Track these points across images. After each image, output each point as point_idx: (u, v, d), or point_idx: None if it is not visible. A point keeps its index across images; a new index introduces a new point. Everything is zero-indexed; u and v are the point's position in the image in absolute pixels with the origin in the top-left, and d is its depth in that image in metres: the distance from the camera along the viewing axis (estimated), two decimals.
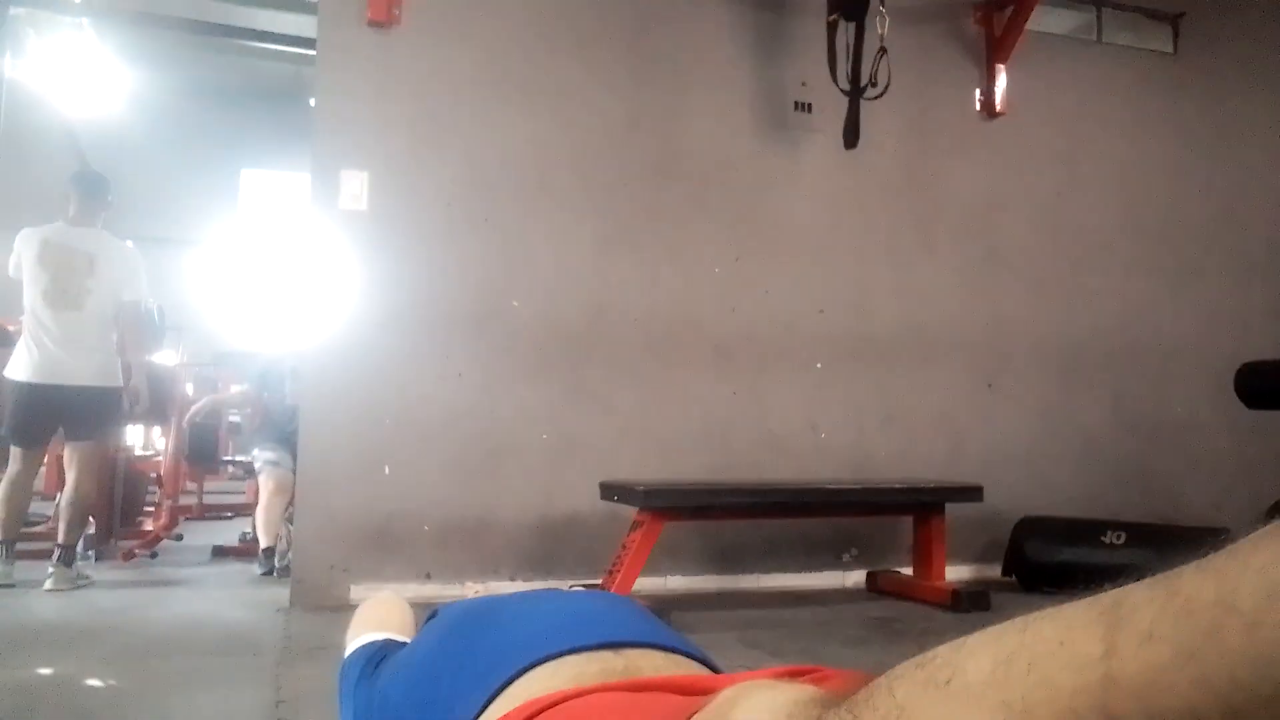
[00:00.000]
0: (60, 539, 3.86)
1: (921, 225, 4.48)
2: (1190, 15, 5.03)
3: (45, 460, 4.38)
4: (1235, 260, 4.98)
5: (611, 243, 4.04)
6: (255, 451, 4.81)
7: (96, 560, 4.56)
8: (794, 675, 0.80)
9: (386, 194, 3.76)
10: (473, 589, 3.16)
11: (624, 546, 3.28)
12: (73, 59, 7.15)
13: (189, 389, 6.52)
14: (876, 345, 4.34)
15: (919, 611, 3.53)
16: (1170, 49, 5.07)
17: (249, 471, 5.23)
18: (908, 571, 3.96)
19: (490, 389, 3.81)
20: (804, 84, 4.29)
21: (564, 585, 1.88)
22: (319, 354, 3.68)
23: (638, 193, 4.11)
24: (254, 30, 6.38)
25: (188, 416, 5.27)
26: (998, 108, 4.59)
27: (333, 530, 3.55)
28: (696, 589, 3.95)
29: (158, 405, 4.85)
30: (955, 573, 4.00)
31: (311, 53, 4.20)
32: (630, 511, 3.36)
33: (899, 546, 4.10)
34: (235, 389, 6.14)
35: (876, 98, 4.08)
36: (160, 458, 5.60)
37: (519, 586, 3.55)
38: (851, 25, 4.05)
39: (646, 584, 3.61)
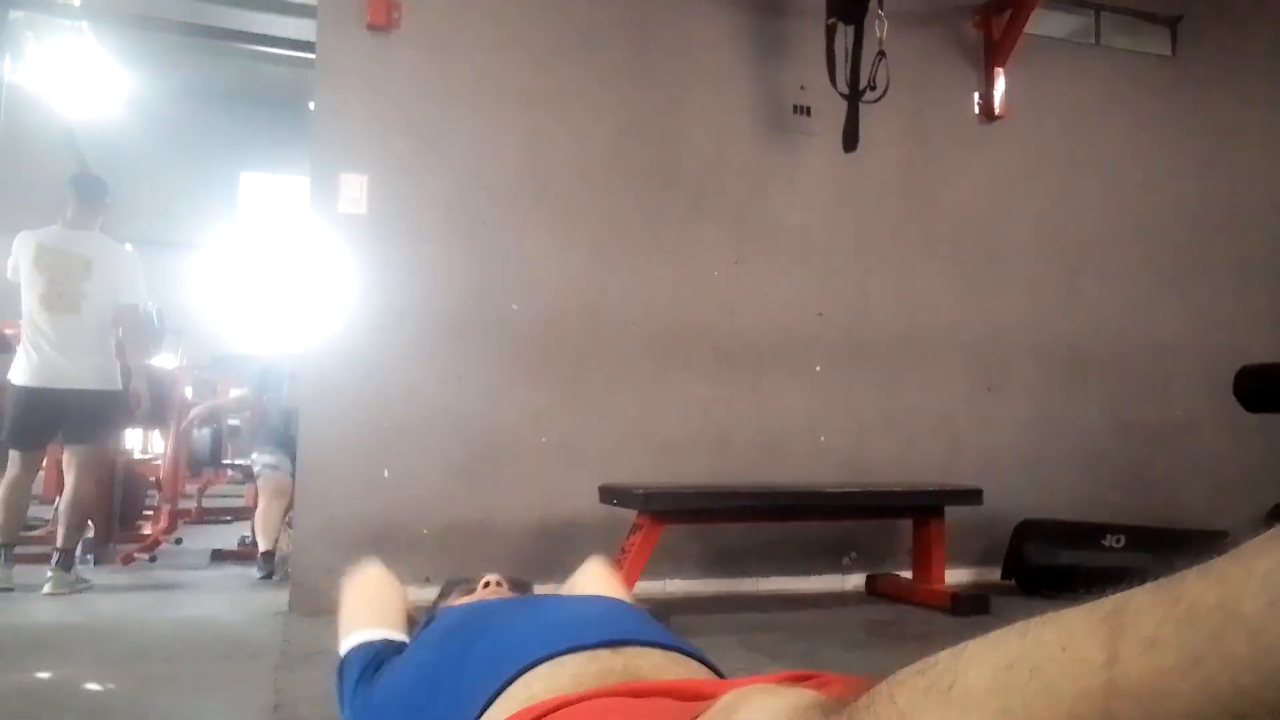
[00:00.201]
0: (59, 543, 3.85)
1: (920, 228, 4.49)
2: (1188, 18, 5.03)
3: (45, 464, 4.38)
4: (1234, 262, 4.98)
5: (610, 245, 4.04)
6: (254, 455, 4.80)
7: (95, 564, 4.56)
8: (794, 680, 0.79)
9: (386, 197, 3.76)
10: None
11: (623, 550, 3.27)
12: (72, 62, 7.15)
13: (188, 392, 6.51)
14: (876, 348, 4.34)
15: (919, 615, 3.53)
16: (1169, 52, 5.07)
17: (248, 475, 5.22)
18: (907, 575, 3.95)
19: (489, 392, 3.81)
20: (803, 87, 4.29)
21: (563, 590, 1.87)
22: (318, 357, 3.68)
23: (637, 196, 4.11)
24: (253, 34, 6.39)
25: (185, 424, 5.27)
26: (996, 111, 4.60)
27: (332, 534, 3.55)
28: (696, 592, 3.94)
29: (157, 408, 4.85)
30: (955, 576, 4.00)
31: (311, 56, 4.20)
32: (629, 515, 3.36)
33: (898, 550, 4.10)
34: (234, 393, 6.13)
35: (875, 101, 4.08)
36: (159, 461, 5.60)
37: None
38: (850, 29, 4.06)
39: (646, 587, 3.60)
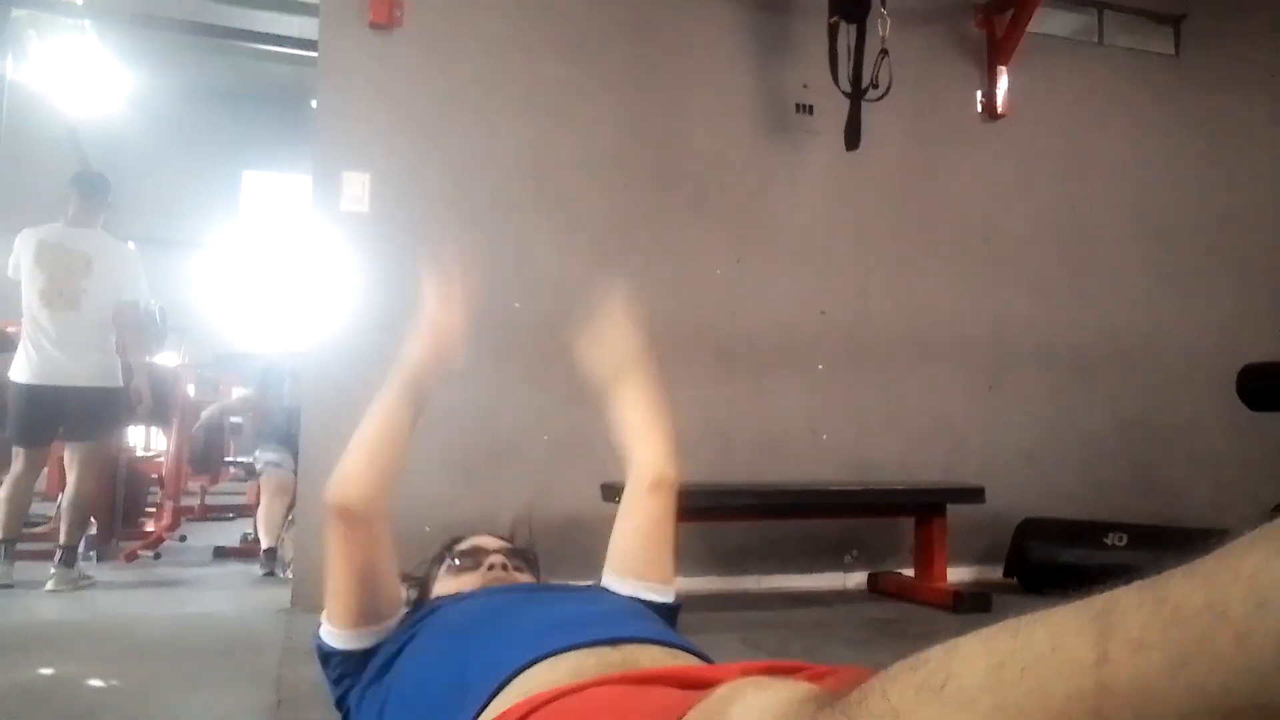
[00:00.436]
0: (61, 540, 3.86)
1: (923, 227, 4.48)
2: (1192, 17, 5.03)
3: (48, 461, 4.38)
4: (1237, 261, 4.98)
5: (612, 244, 4.04)
6: (257, 453, 4.81)
7: (98, 561, 4.57)
8: (789, 671, 0.80)
9: (388, 195, 3.76)
10: None
11: None
12: (74, 60, 7.16)
13: (190, 390, 6.52)
14: (877, 347, 4.34)
15: (920, 613, 3.53)
16: (1172, 51, 5.07)
17: (251, 472, 5.23)
18: (909, 573, 3.96)
19: (492, 390, 3.81)
20: (805, 86, 4.29)
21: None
22: (320, 355, 3.68)
23: (639, 194, 4.11)
24: (255, 32, 6.39)
25: (196, 426, 5.30)
26: (999, 109, 4.59)
27: None
28: (698, 590, 3.94)
29: (160, 406, 4.86)
30: (957, 574, 4.00)
31: (313, 54, 4.20)
32: None
33: (900, 548, 4.10)
34: (238, 392, 6.14)
35: (878, 100, 4.08)
36: (162, 458, 5.60)
37: None
38: (853, 27, 4.05)
39: None
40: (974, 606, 3.47)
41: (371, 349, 3.71)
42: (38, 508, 4.79)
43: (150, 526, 5.36)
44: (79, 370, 3.90)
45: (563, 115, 4.03)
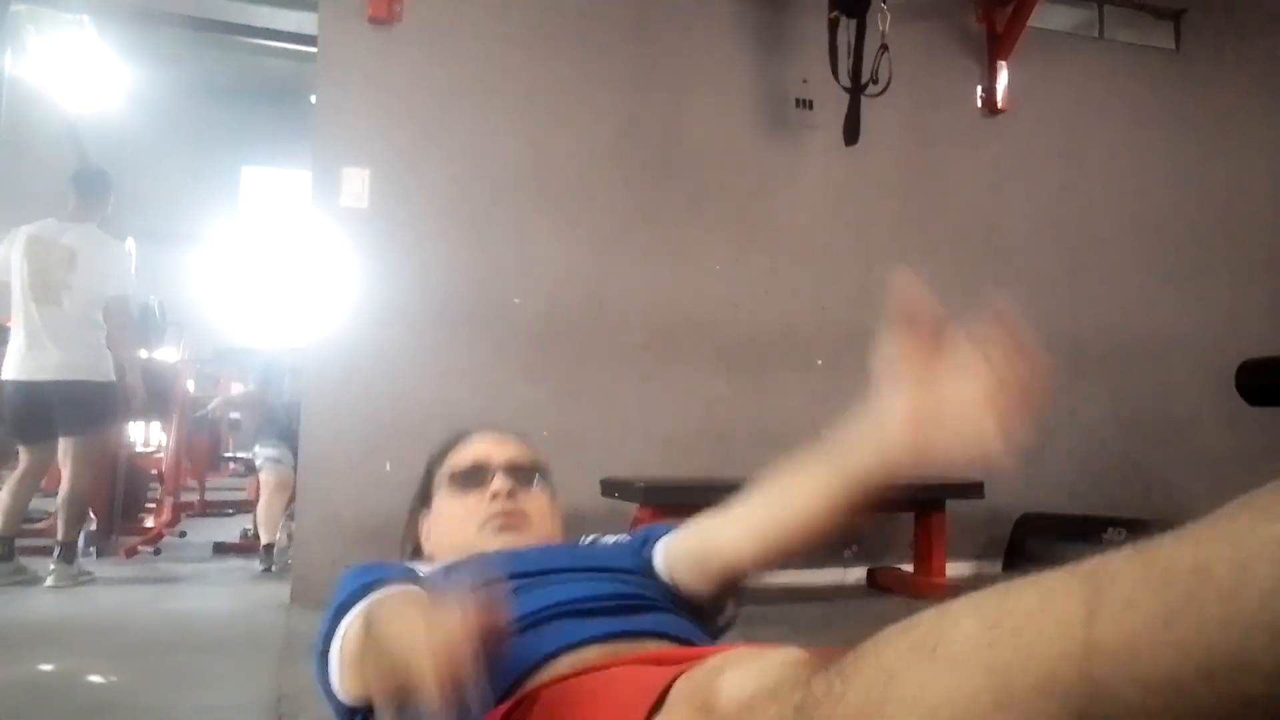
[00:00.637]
0: (60, 536, 3.86)
1: (922, 222, 4.48)
2: (1192, 12, 5.02)
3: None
4: (1237, 256, 4.98)
5: (612, 240, 4.04)
6: (256, 448, 4.81)
7: (98, 556, 4.57)
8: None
9: (388, 191, 3.75)
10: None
11: None
12: (73, 56, 7.14)
13: (190, 386, 6.52)
14: (878, 342, 4.33)
15: (920, 608, 3.53)
16: (1172, 45, 5.06)
17: (250, 468, 5.23)
18: (908, 568, 3.96)
19: (491, 386, 3.81)
20: (805, 81, 4.29)
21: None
22: (320, 351, 3.68)
23: (638, 190, 4.10)
24: (255, 27, 6.37)
25: (201, 413, 5.33)
26: (999, 104, 4.59)
27: (334, 527, 3.55)
28: None
29: (159, 401, 4.86)
30: (956, 569, 4.00)
31: (313, 50, 4.19)
32: (631, 508, 3.36)
33: (900, 543, 4.10)
34: (237, 388, 6.14)
35: (878, 95, 4.08)
36: (161, 454, 5.60)
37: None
38: (853, 22, 4.05)
39: None
40: None
41: (371, 345, 3.72)
42: (38, 503, 4.80)
43: (150, 522, 5.36)
44: (66, 364, 3.86)
45: (563, 110, 4.02)
